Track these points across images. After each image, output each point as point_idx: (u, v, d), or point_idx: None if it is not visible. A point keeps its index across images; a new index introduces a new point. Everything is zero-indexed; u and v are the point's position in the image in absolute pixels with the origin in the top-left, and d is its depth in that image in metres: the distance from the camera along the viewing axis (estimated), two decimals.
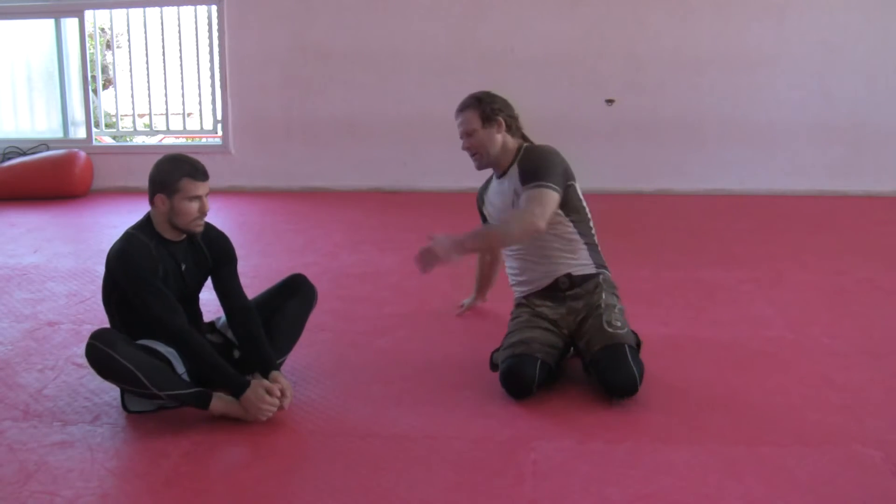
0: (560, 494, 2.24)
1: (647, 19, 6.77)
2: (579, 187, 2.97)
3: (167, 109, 7.41)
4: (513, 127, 3.01)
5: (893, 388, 2.94)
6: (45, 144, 7.28)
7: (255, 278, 4.36)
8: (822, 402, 2.82)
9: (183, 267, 2.76)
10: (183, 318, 2.65)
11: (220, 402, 2.62)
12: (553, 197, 2.80)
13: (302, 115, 7.09)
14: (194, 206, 2.67)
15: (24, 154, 7.14)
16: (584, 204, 3.00)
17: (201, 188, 2.69)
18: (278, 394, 2.60)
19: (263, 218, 6.06)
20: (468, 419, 2.67)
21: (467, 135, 3.01)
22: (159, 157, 2.81)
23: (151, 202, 2.70)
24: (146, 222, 2.73)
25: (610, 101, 6.87)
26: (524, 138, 3.07)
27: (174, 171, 2.68)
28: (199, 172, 2.70)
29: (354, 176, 7.10)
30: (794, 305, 3.88)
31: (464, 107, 3.01)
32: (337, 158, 7.11)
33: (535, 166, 2.86)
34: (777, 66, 6.75)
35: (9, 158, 7.11)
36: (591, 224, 3.02)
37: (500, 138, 2.99)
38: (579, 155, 6.81)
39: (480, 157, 3.03)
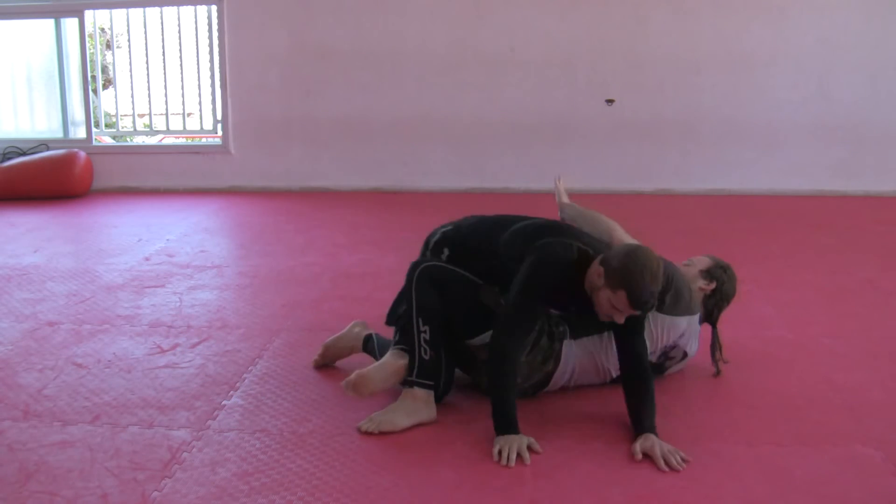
0: (560, 494, 2.24)
1: (647, 19, 6.76)
2: None
3: (167, 109, 7.40)
4: None
5: (893, 388, 2.94)
6: (45, 144, 7.28)
7: (254, 278, 4.37)
8: (823, 402, 2.82)
9: None
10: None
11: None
12: None
13: (302, 115, 7.08)
14: None
15: (24, 154, 7.13)
16: None
17: None
18: (524, 458, 2.42)
19: (263, 218, 6.07)
20: (468, 419, 2.68)
21: None
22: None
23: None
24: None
25: (610, 101, 6.87)
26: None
27: None
28: None
29: (354, 176, 7.10)
30: (794, 305, 3.88)
31: None
32: (337, 158, 7.11)
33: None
34: (777, 66, 6.74)
35: (9, 158, 7.10)
36: None
37: None
38: (579, 155, 6.90)
39: None
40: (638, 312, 2.52)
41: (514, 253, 2.72)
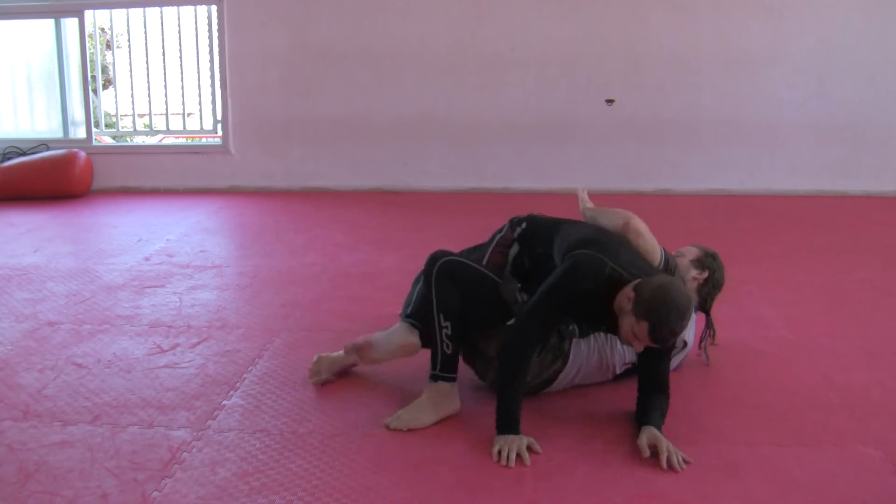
0: (560, 494, 2.24)
1: (647, 19, 6.76)
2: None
3: (167, 109, 7.40)
4: None
5: (893, 388, 2.94)
6: (45, 144, 7.28)
7: (254, 278, 4.38)
8: (822, 402, 2.83)
9: None
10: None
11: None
12: None
13: (302, 115, 7.08)
14: None
15: (24, 154, 7.13)
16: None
17: None
18: (524, 458, 2.44)
19: (263, 218, 6.07)
20: (468, 419, 2.68)
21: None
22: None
23: None
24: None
25: (610, 101, 6.87)
26: None
27: None
28: None
29: (354, 176, 7.09)
30: (794, 305, 3.88)
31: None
32: (337, 158, 7.11)
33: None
34: (776, 66, 6.74)
35: (9, 158, 7.10)
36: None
37: None
38: (579, 155, 6.91)
39: None
40: (656, 346, 2.51)
41: (558, 255, 2.78)
